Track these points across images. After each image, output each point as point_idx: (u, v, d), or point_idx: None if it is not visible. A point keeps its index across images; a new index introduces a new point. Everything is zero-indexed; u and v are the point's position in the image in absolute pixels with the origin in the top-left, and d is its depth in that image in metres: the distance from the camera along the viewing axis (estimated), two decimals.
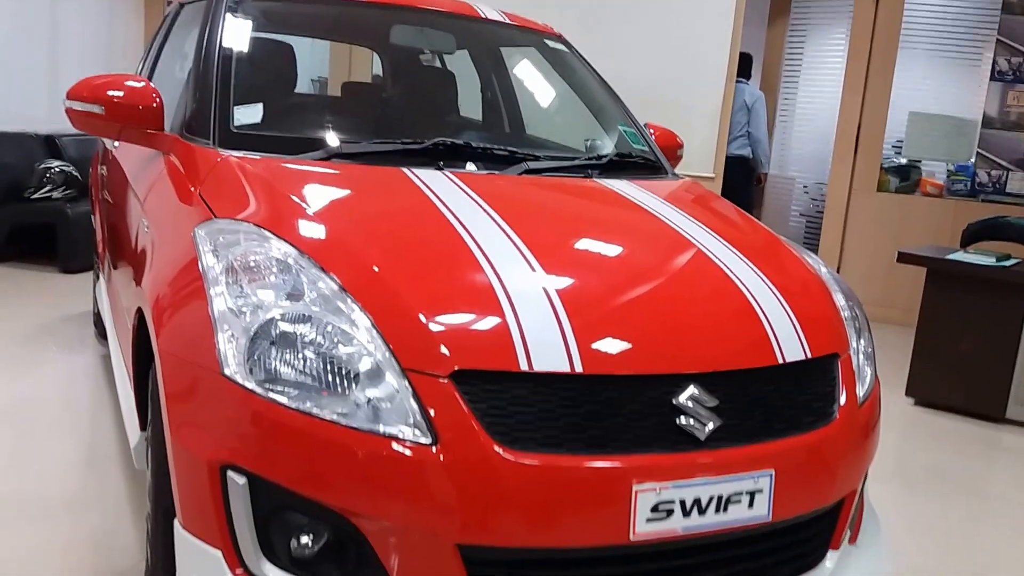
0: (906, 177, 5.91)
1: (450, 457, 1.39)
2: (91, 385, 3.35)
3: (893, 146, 6.08)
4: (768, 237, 2.21)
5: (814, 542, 1.74)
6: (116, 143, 3.13)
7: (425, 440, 1.40)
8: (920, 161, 5.97)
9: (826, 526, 1.75)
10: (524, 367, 1.46)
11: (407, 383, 1.44)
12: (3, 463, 2.60)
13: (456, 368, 1.44)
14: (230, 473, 1.46)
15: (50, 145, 5.77)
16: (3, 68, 5.68)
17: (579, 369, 1.49)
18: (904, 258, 3.95)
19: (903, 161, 5.99)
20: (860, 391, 1.84)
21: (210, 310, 1.55)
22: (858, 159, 5.89)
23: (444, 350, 1.46)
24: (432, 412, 1.41)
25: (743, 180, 6.35)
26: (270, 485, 1.44)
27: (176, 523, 1.56)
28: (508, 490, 1.39)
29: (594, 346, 1.53)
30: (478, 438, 1.40)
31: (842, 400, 1.75)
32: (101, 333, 3.84)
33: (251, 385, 1.46)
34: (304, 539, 1.45)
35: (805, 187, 7.41)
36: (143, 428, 2.06)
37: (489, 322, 1.52)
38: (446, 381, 1.43)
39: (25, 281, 5.02)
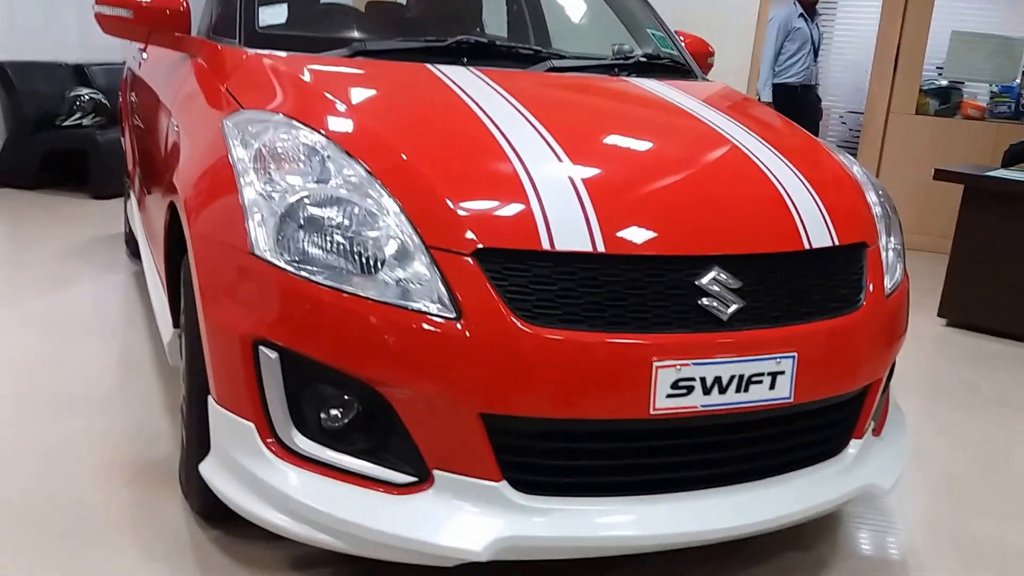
0: (946, 99, 5.73)
1: (474, 331, 1.42)
2: (123, 298, 3.43)
3: (937, 67, 5.88)
4: (802, 135, 2.17)
5: (837, 429, 1.75)
6: (144, 55, 3.15)
7: (450, 315, 1.43)
8: (962, 83, 5.78)
9: (850, 414, 1.76)
10: (546, 246, 1.47)
11: (432, 261, 1.46)
12: (40, 365, 2.69)
13: (480, 246, 1.45)
14: (262, 348, 1.50)
15: (79, 74, 5.81)
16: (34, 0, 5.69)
17: (601, 249, 1.49)
18: (941, 175, 3.86)
19: (943, 83, 5.81)
20: (888, 283, 1.82)
21: (240, 198, 1.57)
22: (896, 81, 5.72)
23: (469, 230, 1.47)
24: (456, 288, 1.43)
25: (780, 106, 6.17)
26: (301, 359, 1.47)
27: (210, 399, 1.61)
28: (528, 363, 1.42)
29: (617, 227, 1.53)
30: (500, 313, 1.42)
31: (869, 289, 1.74)
32: (132, 252, 3.92)
33: (281, 264, 1.49)
34: (334, 410, 1.50)
35: (841, 117, 7.25)
36: (176, 325, 2.11)
37: (513, 205, 1.53)
38: (470, 259, 1.45)
39: (58, 207, 5.11)
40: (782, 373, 1.56)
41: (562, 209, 1.53)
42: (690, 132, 1.95)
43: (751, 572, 1.83)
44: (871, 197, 1.97)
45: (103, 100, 5.55)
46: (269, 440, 1.52)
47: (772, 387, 1.55)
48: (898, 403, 2.12)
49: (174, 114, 2.23)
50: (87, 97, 5.51)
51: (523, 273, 1.46)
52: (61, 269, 3.80)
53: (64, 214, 4.94)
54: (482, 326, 1.42)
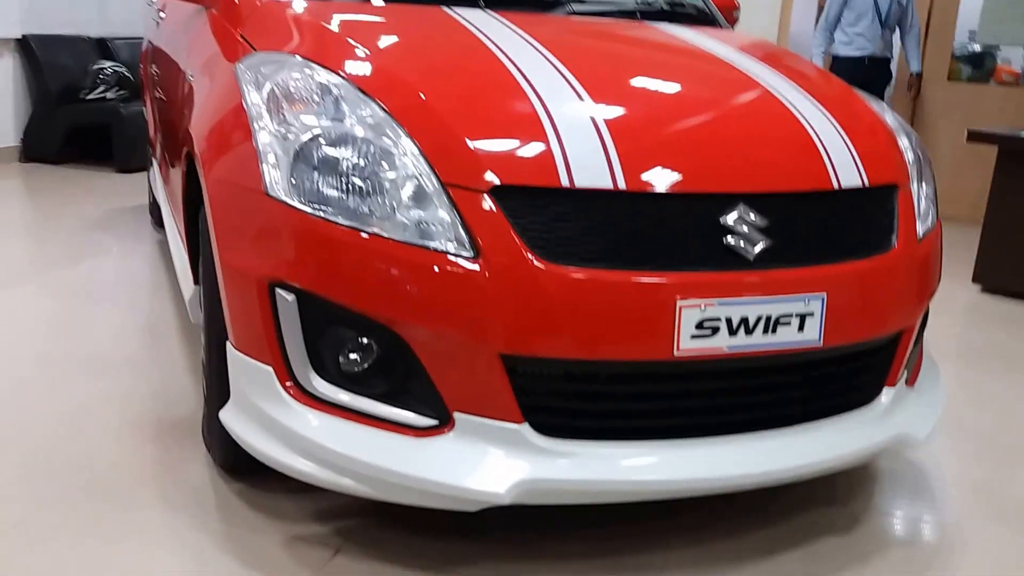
0: (979, 65, 5.58)
1: (492, 269, 1.38)
2: (148, 266, 3.44)
3: (970, 31, 5.71)
4: (835, 81, 2.11)
5: (869, 376, 1.70)
6: (162, 14, 3.13)
7: (468, 254, 1.39)
8: (996, 47, 5.62)
9: (882, 361, 1.70)
10: (565, 183, 1.44)
11: (450, 200, 1.42)
12: (66, 329, 2.70)
13: (497, 183, 1.42)
14: (279, 290, 1.48)
15: (102, 47, 5.83)
16: None
17: (622, 186, 1.45)
18: (974, 136, 3.76)
19: (976, 48, 5.65)
20: (920, 227, 1.76)
21: (254, 141, 1.55)
22: (928, 47, 5.57)
23: (486, 168, 1.43)
24: (475, 228, 1.40)
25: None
26: (318, 300, 1.45)
27: (228, 345, 1.59)
28: (547, 302, 1.38)
29: (639, 165, 1.48)
30: (519, 252, 1.38)
31: (901, 232, 1.68)
32: (157, 222, 3.93)
33: (296, 204, 1.46)
34: (352, 353, 1.47)
35: None
36: (196, 282, 2.10)
37: (532, 144, 1.49)
38: (488, 197, 1.41)
39: (83, 180, 5.14)
40: (811, 315, 1.51)
41: (582, 147, 1.49)
42: (714, 73, 1.89)
43: (785, 526, 1.79)
44: (903, 142, 1.91)
45: (126, 73, 5.56)
46: (288, 383, 1.50)
47: (801, 329, 1.51)
48: (933, 357, 2.06)
49: (190, 66, 2.21)
50: (110, 70, 5.53)
51: (542, 210, 1.42)
52: (86, 240, 3.81)
53: (89, 187, 4.96)
54: (501, 265, 1.38)
